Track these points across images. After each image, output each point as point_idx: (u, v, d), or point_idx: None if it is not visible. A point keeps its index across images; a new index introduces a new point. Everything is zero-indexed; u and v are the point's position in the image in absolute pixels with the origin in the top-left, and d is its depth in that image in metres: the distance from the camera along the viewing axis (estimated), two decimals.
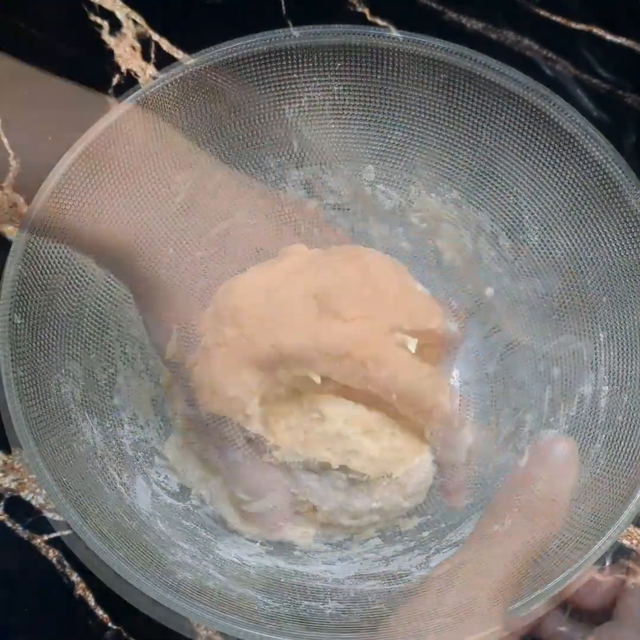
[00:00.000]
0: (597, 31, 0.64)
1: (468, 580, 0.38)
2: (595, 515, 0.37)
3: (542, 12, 0.65)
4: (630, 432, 0.39)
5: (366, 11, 0.64)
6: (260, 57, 0.43)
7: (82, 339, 0.43)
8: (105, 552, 0.35)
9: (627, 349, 0.41)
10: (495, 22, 0.65)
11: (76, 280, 0.42)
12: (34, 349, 0.39)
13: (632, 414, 0.40)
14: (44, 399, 0.39)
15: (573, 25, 0.65)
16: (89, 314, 0.43)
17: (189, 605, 0.34)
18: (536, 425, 0.44)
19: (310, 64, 0.44)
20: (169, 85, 0.42)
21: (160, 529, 0.41)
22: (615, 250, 0.41)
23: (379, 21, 0.64)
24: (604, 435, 0.40)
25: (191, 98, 0.43)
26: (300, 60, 0.44)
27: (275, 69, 0.44)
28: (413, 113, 0.45)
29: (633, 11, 0.65)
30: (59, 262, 0.41)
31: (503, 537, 0.40)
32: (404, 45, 0.43)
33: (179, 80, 0.42)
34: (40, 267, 0.40)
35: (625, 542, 0.49)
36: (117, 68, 0.62)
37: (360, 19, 0.64)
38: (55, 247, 0.40)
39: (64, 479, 0.37)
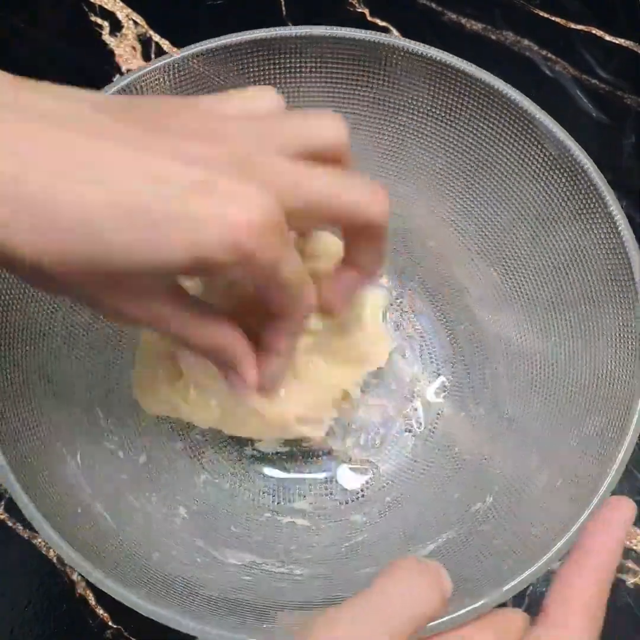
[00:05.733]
0: (597, 32, 0.65)
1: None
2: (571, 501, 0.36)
3: (542, 13, 0.65)
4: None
5: (366, 11, 0.64)
6: (256, 50, 0.42)
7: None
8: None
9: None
10: (494, 23, 0.65)
11: None
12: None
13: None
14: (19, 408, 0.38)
15: (572, 25, 0.65)
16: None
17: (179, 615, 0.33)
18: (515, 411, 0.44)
19: (307, 61, 0.44)
20: (156, 70, 0.41)
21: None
22: (598, 252, 0.41)
23: (379, 22, 0.64)
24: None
25: (183, 90, 0.43)
26: (297, 56, 0.43)
27: (271, 64, 0.44)
28: (411, 113, 0.45)
29: (632, 12, 0.65)
30: None
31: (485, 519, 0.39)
32: (402, 44, 0.43)
33: (165, 68, 0.41)
34: None
35: (625, 542, 0.49)
36: (117, 69, 0.62)
37: (360, 19, 0.64)
38: None
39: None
